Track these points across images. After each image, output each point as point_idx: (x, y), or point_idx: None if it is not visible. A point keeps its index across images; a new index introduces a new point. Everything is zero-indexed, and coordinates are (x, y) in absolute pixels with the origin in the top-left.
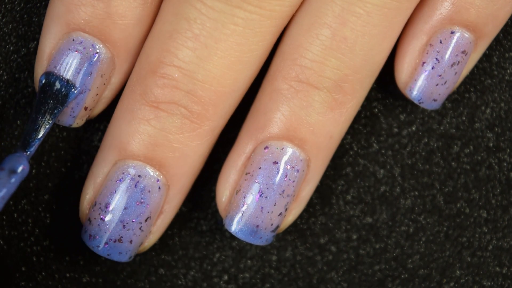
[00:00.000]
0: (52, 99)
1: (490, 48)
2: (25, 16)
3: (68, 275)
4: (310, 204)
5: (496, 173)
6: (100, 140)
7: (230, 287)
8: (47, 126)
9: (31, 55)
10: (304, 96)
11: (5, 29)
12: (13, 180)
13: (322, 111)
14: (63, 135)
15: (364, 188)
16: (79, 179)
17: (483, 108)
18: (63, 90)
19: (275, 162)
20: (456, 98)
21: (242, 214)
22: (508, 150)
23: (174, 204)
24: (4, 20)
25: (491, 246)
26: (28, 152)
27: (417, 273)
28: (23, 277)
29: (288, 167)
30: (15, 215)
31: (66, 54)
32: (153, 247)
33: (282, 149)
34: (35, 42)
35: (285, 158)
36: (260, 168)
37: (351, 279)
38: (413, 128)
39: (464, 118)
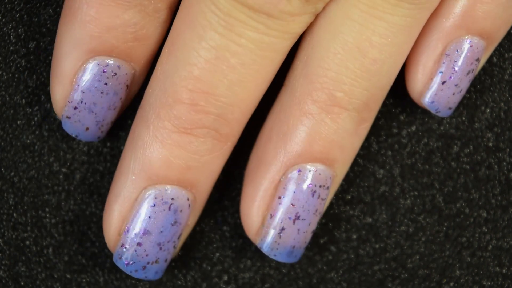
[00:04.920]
0: None
1: None
2: (25, 16)
3: (68, 275)
4: None
5: (496, 173)
6: (100, 140)
7: (230, 287)
8: None
9: (31, 55)
10: (335, 119)
11: (5, 29)
12: None
13: (351, 131)
14: (63, 135)
15: (364, 188)
16: (79, 179)
17: (482, 108)
18: None
19: (309, 185)
20: None
21: (279, 237)
22: (508, 150)
23: (197, 215)
24: (4, 20)
25: (490, 246)
26: None
27: (417, 273)
28: (23, 277)
29: (321, 187)
30: (15, 215)
31: (92, 78)
32: None
33: (316, 171)
34: (34, 42)
35: (318, 179)
36: (294, 192)
37: (351, 279)
38: (413, 128)
39: (463, 118)
